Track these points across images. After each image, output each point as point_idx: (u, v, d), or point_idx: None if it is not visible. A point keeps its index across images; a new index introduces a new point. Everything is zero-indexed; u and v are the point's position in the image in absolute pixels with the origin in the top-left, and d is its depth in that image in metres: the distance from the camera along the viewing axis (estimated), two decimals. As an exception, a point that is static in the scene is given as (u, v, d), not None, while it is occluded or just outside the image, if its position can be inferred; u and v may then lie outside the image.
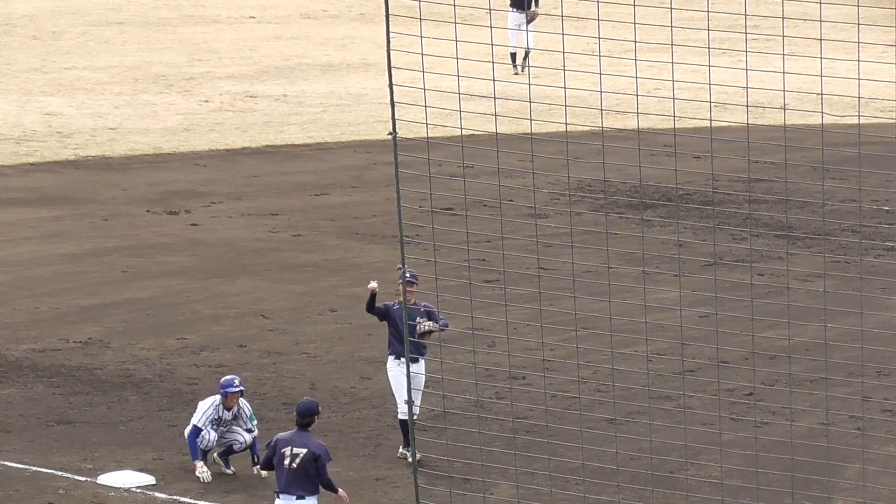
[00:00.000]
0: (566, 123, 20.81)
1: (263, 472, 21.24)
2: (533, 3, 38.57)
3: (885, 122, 28.26)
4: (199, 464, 21.64)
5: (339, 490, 19.71)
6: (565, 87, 19.20)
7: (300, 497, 19.24)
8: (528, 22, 38.72)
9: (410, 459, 21.53)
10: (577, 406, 21.87)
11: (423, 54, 16.91)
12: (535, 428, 21.43)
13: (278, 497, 19.43)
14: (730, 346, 24.58)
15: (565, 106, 19.71)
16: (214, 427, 21.62)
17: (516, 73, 37.79)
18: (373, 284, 21.87)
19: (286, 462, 19.27)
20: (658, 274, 27.37)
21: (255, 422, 21.95)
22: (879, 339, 24.42)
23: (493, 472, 21.09)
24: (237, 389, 21.83)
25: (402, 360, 20.90)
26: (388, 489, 21.41)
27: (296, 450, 19.27)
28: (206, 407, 21.68)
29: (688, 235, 30.22)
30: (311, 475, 19.27)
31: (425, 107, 16.84)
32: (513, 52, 39.08)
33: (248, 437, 21.76)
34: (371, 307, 21.99)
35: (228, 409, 21.72)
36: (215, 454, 21.90)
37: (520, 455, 20.73)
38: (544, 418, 21.44)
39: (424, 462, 21.12)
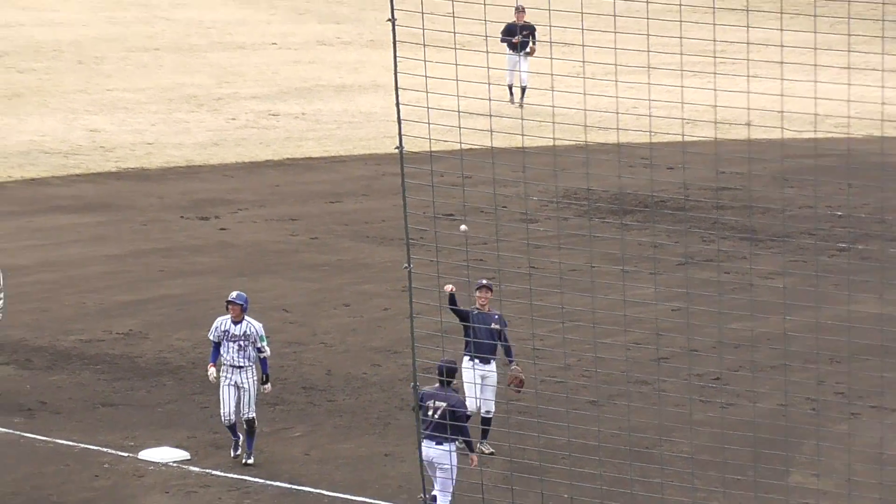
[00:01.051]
0: (554, 138, 20.86)
1: (267, 387, 21.70)
2: (530, 43, 38.41)
3: (837, 136, 28.21)
4: (212, 368, 21.67)
5: (473, 455, 20.23)
6: (553, 106, 19.27)
7: (439, 442, 19.67)
8: (528, 55, 38.58)
9: (486, 451, 21.66)
10: (564, 390, 21.93)
11: (426, 76, 16.97)
12: (526, 409, 21.43)
13: (423, 441, 19.72)
14: (699, 336, 24.60)
15: (553, 123, 19.79)
16: (229, 339, 21.47)
17: (513, 104, 37.58)
18: (448, 287, 21.73)
19: (430, 413, 19.76)
20: (636, 272, 27.37)
21: (266, 342, 21.68)
22: (833, 330, 24.39)
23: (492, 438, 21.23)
24: (234, 300, 21.59)
25: (476, 360, 21.02)
26: (396, 463, 21.48)
27: (437, 403, 19.75)
28: (217, 323, 21.65)
29: (662, 238, 30.26)
30: (448, 429, 19.68)
31: (428, 123, 16.89)
32: (509, 85, 38.81)
33: (250, 382, 21.49)
34: (453, 304, 21.76)
35: (236, 323, 21.49)
36: (240, 447, 21.81)
37: (513, 433, 20.81)
38: (535, 400, 21.48)
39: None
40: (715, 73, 21.58)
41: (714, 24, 21.71)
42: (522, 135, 21.48)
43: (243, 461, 21.59)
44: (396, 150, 17.06)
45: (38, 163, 36.50)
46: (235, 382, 21.39)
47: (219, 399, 21.50)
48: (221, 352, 21.51)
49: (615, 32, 20.35)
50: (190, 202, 33.89)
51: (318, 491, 21.10)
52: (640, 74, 21.20)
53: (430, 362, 20.05)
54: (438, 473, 19.85)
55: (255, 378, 21.55)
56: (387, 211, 30.54)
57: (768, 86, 21.61)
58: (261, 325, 21.80)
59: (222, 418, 21.50)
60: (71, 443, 22.38)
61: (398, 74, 16.06)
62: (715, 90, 21.41)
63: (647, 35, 20.73)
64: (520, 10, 36.97)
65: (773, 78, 21.60)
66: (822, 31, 21.19)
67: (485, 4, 18.33)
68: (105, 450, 22.20)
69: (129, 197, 34.29)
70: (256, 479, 21.43)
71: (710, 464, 21.14)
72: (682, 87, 21.87)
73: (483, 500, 19.61)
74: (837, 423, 22.83)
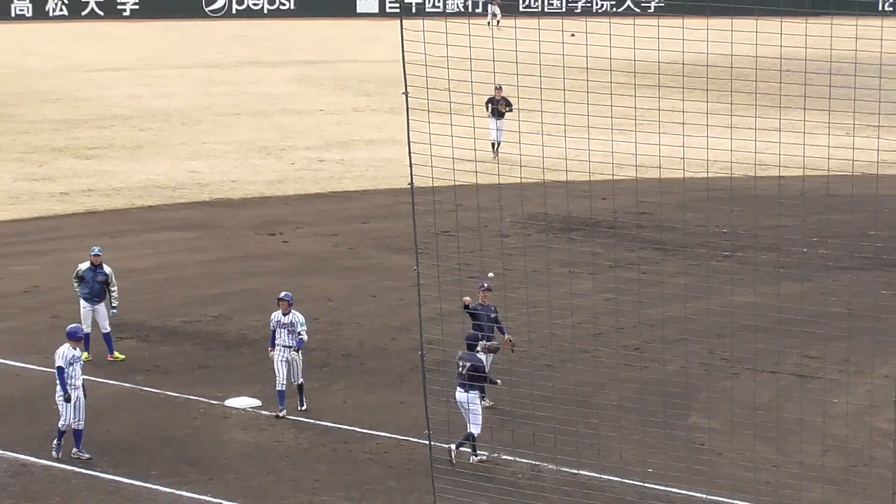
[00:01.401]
0: (521, 177, 20.87)
1: (296, 354, 21.47)
2: (506, 113, 37.78)
3: (723, 176, 28.21)
4: (272, 351, 21.59)
5: (498, 380, 20.69)
6: (520, 155, 19.28)
7: (466, 390, 19.92)
8: (502, 116, 38.25)
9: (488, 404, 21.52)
10: (528, 356, 21.93)
11: (430, 133, 16.98)
12: (500, 371, 21.47)
13: (457, 389, 20.11)
14: (624, 318, 24.65)
15: (520, 166, 19.80)
16: (280, 327, 21.42)
17: (493, 155, 37.45)
18: (466, 299, 21.81)
19: (460, 369, 20.07)
20: (579, 273, 27.42)
21: (305, 328, 21.62)
22: (719, 314, 24.44)
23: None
24: (283, 297, 21.65)
25: (477, 347, 20.91)
26: (408, 409, 21.46)
27: (465, 363, 20.04)
28: (273, 315, 21.65)
29: (598, 248, 30.24)
30: (475, 378, 19.94)
31: (431, 167, 16.91)
32: (492, 142, 38.52)
33: (298, 358, 21.54)
34: (467, 309, 21.83)
35: (285, 315, 21.43)
36: (284, 409, 21.65)
37: (489, 388, 20.84)
38: (507, 364, 21.50)
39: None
40: (635, 131, 21.59)
41: (635, 96, 21.74)
42: (498, 175, 21.51)
43: (298, 407, 21.58)
44: (408, 186, 17.05)
45: (154, 195, 36.56)
46: (286, 359, 21.38)
47: (275, 370, 21.49)
48: (276, 337, 21.49)
49: (564, 102, 20.41)
50: (261, 223, 33.94)
51: (352, 428, 21.15)
52: (582, 131, 21.19)
53: (435, 337, 20.09)
54: (468, 411, 20.01)
55: (300, 356, 21.59)
56: (401, 229, 30.49)
57: (673, 139, 21.62)
58: (303, 317, 21.81)
59: (276, 385, 21.50)
60: (176, 394, 22.48)
61: (410, 132, 16.06)
62: (636, 142, 21.42)
63: (587, 104, 20.77)
64: (498, 88, 36.88)
65: (676, 134, 21.61)
66: (712, 101, 21.17)
67: (471, 83, 18.37)
68: (201, 399, 22.28)
69: (218, 219, 34.37)
70: (308, 420, 21.47)
71: (632, 409, 21.18)
72: (612, 140, 21.88)
73: (490, 429, 19.63)
74: (722, 381, 22.86)
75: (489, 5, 66.27)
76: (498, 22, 62.30)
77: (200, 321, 26.30)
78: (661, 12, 68.23)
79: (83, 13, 72.20)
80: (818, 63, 20.58)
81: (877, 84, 20.87)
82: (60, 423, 19.57)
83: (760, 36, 19.23)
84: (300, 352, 21.65)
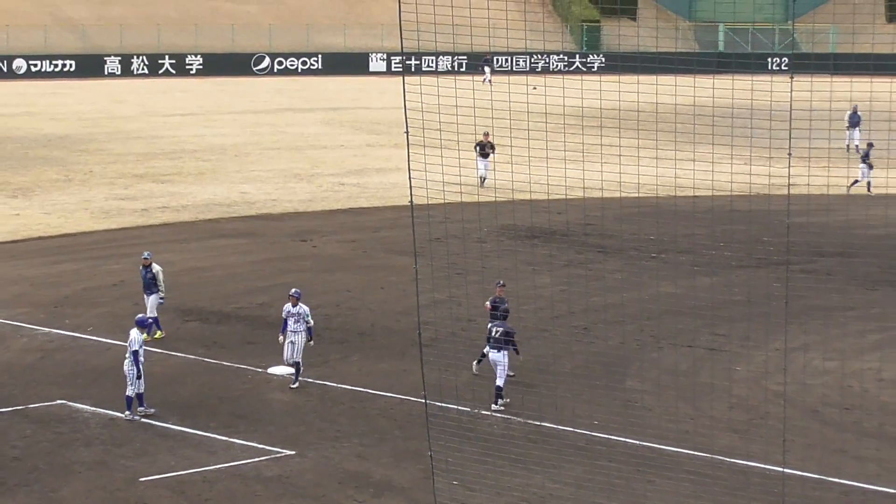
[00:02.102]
0: (495, 197, 20.79)
1: (311, 343, 20.94)
2: (491, 154, 36.64)
3: (650, 196, 28.16)
4: (282, 336, 21.00)
5: (521, 357, 20.30)
6: (495, 180, 19.17)
7: (498, 350, 19.92)
8: (487, 156, 36.91)
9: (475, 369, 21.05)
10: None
11: (425, 164, 16.89)
12: (476, 338, 21.31)
13: (490, 350, 20.06)
14: (575, 305, 24.60)
15: (495, 189, 19.69)
16: (290, 316, 20.92)
17: (480, 188, 36.17)
18: (487, 304, 21.54)
19: (493, 334, 20.08)
20: (540, 269, 27.35)
21: (310, 317, 21.01)
22: (648, 302, 24.39)
23: (464, 363, 21.10)
24: (292, 294, 21.04)
25: (496, 321, 20.47)
26: (409, 376, 21.05)
27: (497, 328, 20.10)
28: (285, 307, 21.11)
29: (554, 251, 30.22)
30: (503, 342, 19.87)
31: (426, 189, 16.78)
32: (479, 176, 36.79)
33: (300, 341, 20.86)
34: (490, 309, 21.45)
35: (294, 307, 20.92)
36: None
37: (469, 351, 20.69)
38: (482, 338, 21.34)
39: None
40: (583, 161, 21.53)
41: (583, 133, 21.64)
42: (478, 195, 21.45)
43: (290, 387, 20.99)
44: (409, 204, 16.94)
45: (213, 211, 36.36)
46: (292, 340, 20.95)
47: (283, 349, 21.11)
48: (287, 325, 21.02)
49: (528, 139, 20.32)
50: (295, 232, 33.77)
51: (365, 390, 20.94)
52: (542, 162, 21.14)
53: (429, 319, 19.98)
54: (498, 368, 19.89)
55: (304, 339, 21.04)
56: (404, 237, 30.36)
57: (613, 167, 21.54)
58: (308, 308, 21.21)
59: (284, 361, 21.18)
60: (230, 364, 22.27)
61: (410, 163, 15.92)
62: (583, 170, 21.34)
63: (546, 140, 20.67)
64: (485, 134, 36.03)
65: (614, 164, 21.52)
66: (642, 137, 21.09)
67: (458, 124, 18.24)
68: (249, 367, 22.07)
69: (262, 229, 34.22)
70: (331, 384, 21.27)
71: (581, 376, 21.04)
72: (565, 168, 21.81)
73: (473, 391, 19.50)
74: (651, 353, 22.73)
75: (484, 67, 65.13)
76: (490, 81, 61.21)
77: (249, 307, 26.04)
78: (602, 71, 68.20)
79: (159, 72, 72.57)
80: (723, 109, 20.54)
81: (768, 125, 20.83)
82: (129, 392, 19.36)
83: (679, 88, 19.14)
84: (311, 339, 21.13)
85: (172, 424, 19.20)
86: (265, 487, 16.94)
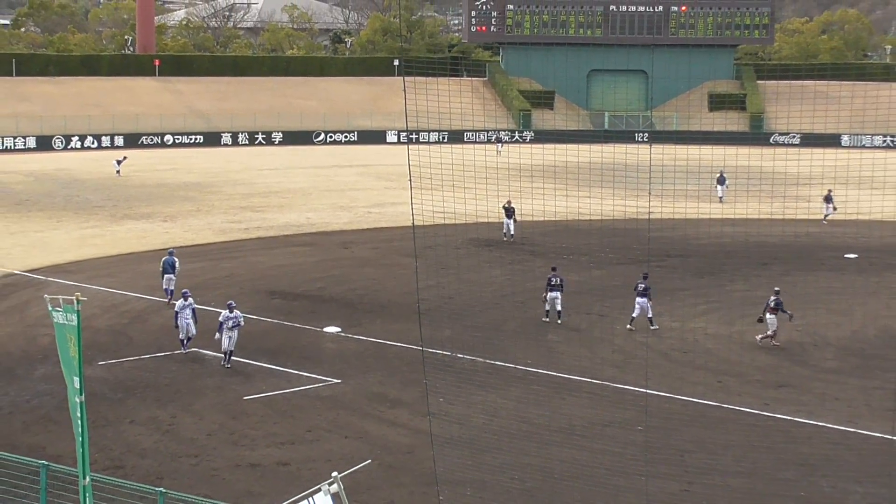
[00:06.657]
0: (465, 221, 20.52)
1: (235, 333, 18.10)
2: (514, 213, 30.40)
3: (562, 219, 27.92)
4: (218, 335, 18.30)
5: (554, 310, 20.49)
6: (465, 211, 18.93)
7: (555, 293, 20.52)
8: (511, 216, 30.34)
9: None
10: (470, 307, 21.66)
11: (422, 201, 16.88)
12: (468, 328, 21.19)
13: (550, 292, 20.24)
14: (516, 288, 24.26)
15: (465, 214, 19.53)
16: (226, 320, 18.21)
17: (506, 240, 31.62)
18: (544, 296, 21.21)
19: (552, 281, 20.58)
20: (492, 266, 27.26)
21: (242, 319, 18.49)
22: (599, 290, 24.28)
23: (447, 325, 20.69)
24: (230, 304, 18.46)
25: (551, 287, 20.42)
26: (413, 332, 20.67)
27: (556, 278, 20.77)
28: (223, 312, 18.38)
29: (503, 254, 29.97)
30: (559, 286, 20.43)
31: (422, 215, 16.75)
32: (504, 232, 31.35)
33: (235, 336, 18.19)
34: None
35: (230, 313, 18.24)
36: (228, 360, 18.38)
37: (452, 317, 20.57)
38: (463, 309, 21.22)
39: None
40: (520, 197, 21.49)
41: (520, 179, 21.54)
42: (454, 219, 21.30)
43: (224, 365, 18.29)
44: (411, 225, 16.91)
45: (289, 230, 36.08)
46: (230, 336, 18.23)
47: (220, 343, 18.36)
48: (223, 327, 18.18)
49: (486, 184, 20.21)
50: (340, 242, 33.56)
51: (384, 341, 20.77)
52: (496, 198, 21.04)
53: (424, 298, 19.77)
54: (555, 301, 20.23)
55: (237, 336, 18.44)
56: (409, 245, 30.31)
57: (539, 201, 21.46)
58: (241, 313, 18.44)
59: (222, 351, 18.38)
60: (299, 325, 21.96)
61: (412, 200, 15.94)
62: (520, 203, 21.22)
63: (497, 183, 20.58)
64: (509, 200, 29.74)
65: (539, 199, 21.46)
66: (558, 183, 21.02)
67: (443, 174, 18.27)
68: (311, 327, 21.79)
69: (319, 242, 33.99)
70: (363, 337, 21.02)
71: (521, 333, 20.82)
72: (543, 197, 21.68)
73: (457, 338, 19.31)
74: (564, 318, 22.44)
75: (498, 143, 60.86)
76: (500, 151, 52.18)
77: (311, 290, 25.84)
78: (532, 141, 68.28)
79: (256, 142, 73.27)
80: (608, 164, 20.58)
81: (635, 175, 20.74)
82: (181, 336, 19.42)
83: (580, 152, 19.21)
84: (237, 331, 18.26)
85: (264, 363, 19.09)
86: (322, 403, 16.93)
